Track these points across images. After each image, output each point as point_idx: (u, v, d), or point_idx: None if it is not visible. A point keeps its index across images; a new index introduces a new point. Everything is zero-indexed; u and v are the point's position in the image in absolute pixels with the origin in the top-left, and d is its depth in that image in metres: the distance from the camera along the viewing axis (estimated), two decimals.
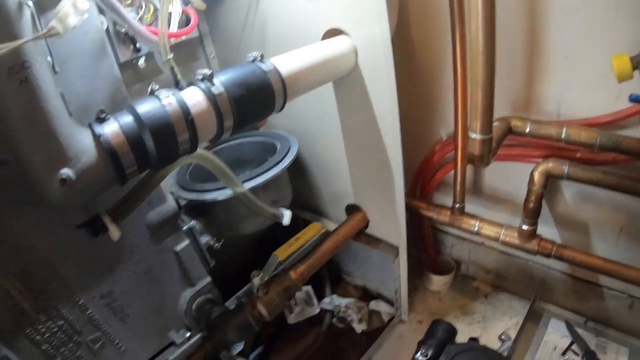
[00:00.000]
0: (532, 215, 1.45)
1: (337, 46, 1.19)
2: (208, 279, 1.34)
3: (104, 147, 0.78)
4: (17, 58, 0.68)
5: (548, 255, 1.47)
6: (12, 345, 0.97)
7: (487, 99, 1.24)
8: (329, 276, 1.84)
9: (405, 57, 1.60)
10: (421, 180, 1.78)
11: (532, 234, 1.48)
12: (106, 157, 0.78)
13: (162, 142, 0.81)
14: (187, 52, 1.65)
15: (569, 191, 1.54)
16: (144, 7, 1.28)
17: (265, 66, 0.97)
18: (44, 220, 0.96)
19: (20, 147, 0.75)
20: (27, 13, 0.72)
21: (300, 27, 1.35)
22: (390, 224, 1.51)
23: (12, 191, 0.90)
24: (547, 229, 1.61)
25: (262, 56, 1.00)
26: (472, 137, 1.31)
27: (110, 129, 0.79)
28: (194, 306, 1.32)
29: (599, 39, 1.24)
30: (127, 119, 0.81)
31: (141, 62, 1.39)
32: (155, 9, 1.28)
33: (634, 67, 1.09)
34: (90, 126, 0.80)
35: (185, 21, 1.30)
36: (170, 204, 1.21)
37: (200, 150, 0.98)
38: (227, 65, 1.72)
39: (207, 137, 0.91)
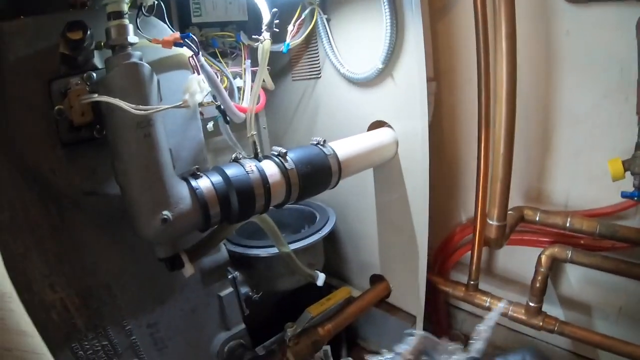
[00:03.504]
0: (538, 293, 1.57)
1: (382, 137, 1.42)
2: (243, 325, 1.46)
3: (198, 199, 0.97)
4: (145, 116, 0.87)
5: (551, 331, 1.56)
6: (56, 355, 0.98)
7: (504, 192, 1.44)
8: (346, 339, 1.92)
9: (435, 148, 1.78)
10: (441, 257, 1.92)
11: (538, 311, 1.58)
12: (198, 207, 0.97)
13: (244, 201, 1.01)
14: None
15: (572, 274, 1.66)
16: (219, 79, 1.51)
17: (327, 150, 1.20)
18: (115, 248, 1.10)
19: (132, 187, 0.93)
20: (155, 79, 0.94)
21: (350, 115, 1.58)
22: (411, 294, 1.64)
23: (95, 218, 1.05)
24: (552, 308, 1.71)
25: (324, 141, 1.22)
26: (490, 223, 1.48)
27: (204, 184, 0.99)
28: (226, 349, 1.44)
29: (602, 143, 1.45)
30: (217, 178, 1.01)
31: (210, 125, 1.57)
32: (230, 83, 1.51)
33: (626, 169, 1.31)
34: (186, 180, 0.99)
35: None
36: (223, 253, 1.37)
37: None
38: (276, 137, 1.96)
39: (276, 203, 1.12)
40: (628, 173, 1.31)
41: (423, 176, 1.39)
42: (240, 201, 1.00)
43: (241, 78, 1.52)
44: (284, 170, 1.08)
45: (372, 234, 1.69)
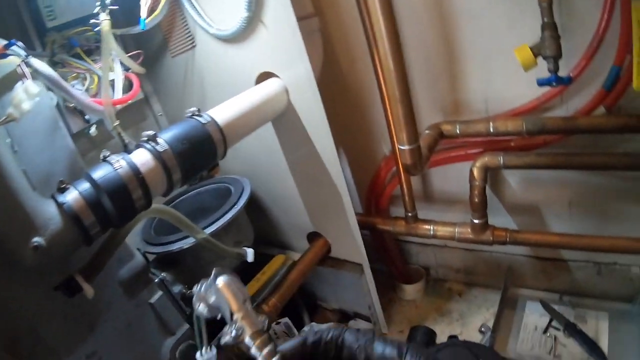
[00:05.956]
0: (480, 208, 1.52)
1: (268, 89, 1.32)
2: (187, 326, 1.37)
3: (67, 214, 0.86)
4: None
5: (504, 243, 1.52)
6: None
7: (406, 111, 1.33)
8: (305, 305, 1.88)
9: (339, 89, 1.71)
10: (374, 197, 1.88)
11: (485, 226, 1.53)
12: (71, 222, 0.87)
13: (119, 201, 0.91)
14: (135, 113, 1.73)
15: (512, 179, 1.63)
16: (88, 78, 1.38)
17: (203, 119, 1.09)
18: (26, 285, 1.00)
19: None
20: None
21: (234, 75, 1.47)
22: (350, 244, 1.59)
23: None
24: (501, 219, 1.67)
25: (199, 110, 1.11)
26: (402, 148, 1.39)
27: (71, 196, 0.88)
28: (177, 354, 1.36)
29: (508, 35, 1.35)
30: (85, 185, 0.90)
31: (92, 130, 1.46)
32: (99, 79, 1.38)
33: (536, 55, 1.21)
34: (53, 197, 0.89)
35: (128, 86, 1.38)
36: (138, 259, 1.27)
37: (156, 205, 1.07)
38: (174, 120, 1.81)
39: (160, 191, 1.01)
40: (540, 59, 1.22)
41: (322, 119, 1.31)
42: (115, 202, 0.89)
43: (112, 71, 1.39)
44: (157, 155, 0.97)
45: (294, 193, 1.62)
